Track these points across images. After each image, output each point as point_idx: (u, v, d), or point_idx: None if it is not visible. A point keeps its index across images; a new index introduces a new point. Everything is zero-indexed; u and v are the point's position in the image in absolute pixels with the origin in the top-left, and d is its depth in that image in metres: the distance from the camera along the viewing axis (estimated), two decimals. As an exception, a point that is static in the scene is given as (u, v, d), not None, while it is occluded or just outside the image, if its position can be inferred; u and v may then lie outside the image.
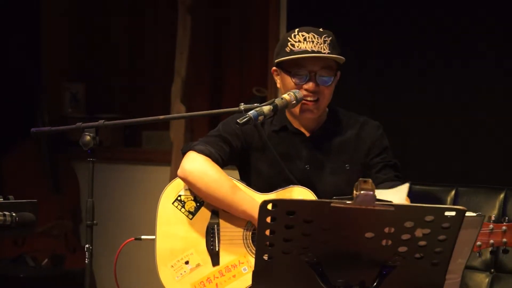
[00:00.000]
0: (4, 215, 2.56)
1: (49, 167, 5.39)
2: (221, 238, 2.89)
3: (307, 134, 2.98)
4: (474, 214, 2.43)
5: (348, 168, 2.94)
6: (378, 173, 2.94)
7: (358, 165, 2.96)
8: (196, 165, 2.88)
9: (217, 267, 2.88)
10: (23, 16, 5.50)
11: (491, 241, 2.60)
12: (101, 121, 2.78)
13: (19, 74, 5.44)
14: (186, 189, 2.92)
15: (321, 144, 2.97)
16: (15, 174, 5.30)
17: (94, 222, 2.74)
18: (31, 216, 2.66)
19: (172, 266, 2.87)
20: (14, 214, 2.58)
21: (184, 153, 2.95)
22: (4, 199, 2.59)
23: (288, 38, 2.88)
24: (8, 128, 5.29)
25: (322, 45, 2.84)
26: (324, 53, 2.84)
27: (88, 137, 2.72)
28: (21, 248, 5.10)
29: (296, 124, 2.98)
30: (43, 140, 5.37)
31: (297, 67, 2.87)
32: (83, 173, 5.21)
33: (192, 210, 2.91)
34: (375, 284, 2.18)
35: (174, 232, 2.89)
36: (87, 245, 2.72)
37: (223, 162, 2.94)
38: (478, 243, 2.61)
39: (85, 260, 2.73)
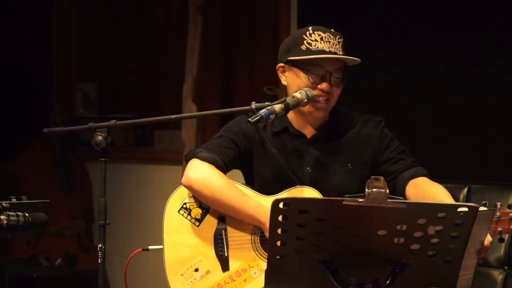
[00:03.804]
0: (17, 215, 2.57)
1: (62, 167, 5.41)
2: (229, 243, 2.86)
3: (308, 136, 2.93)
4: (486, 208, 2.43)
5: (350, 167, 2.90)
6: (395, 164, 2.90)
7: (362, 163, 2.92)
8: (200, 172, 2.85)
9: (227, 273, 2.85)
10: (34, 16, 5.52)
11: (499, 228, 2.58)
12: (112, 121, 2.77)
13: (31, 75, 5.46)
14: (190, 197, 2.89)
15: (322, 145, 2.92)
16: (27, 174, 5.31)
17: (107, 222, 2.73)
18: (44, 216, 2.67)
19: (182, 274, 2.84)
20: (27, 215, 2.59)
21: (187, 161, 2.93)
22: (17, 200, 2.60)
23: (304, 36, 2.84)
24: (20, 128, 5.31)
25: (337, 46, 2.82)
26: (340, 55, 2.82)
27: (100, 137, 2.72)
28: (34, 248, 5.11)
29: (297, 125, 2.93)
30: (55, 140, 5.39)
31: (313, 66, 2.82)
32: (95, 173, 5.20)
33: (198, 217, 2.88)
34: (388, 282, 2.18)
35: (181, 240, 2.86)
36: (100, 245, 2.71)
37: (227, 168, 2.92)
38: None
39: (98, 260, 2.72)
